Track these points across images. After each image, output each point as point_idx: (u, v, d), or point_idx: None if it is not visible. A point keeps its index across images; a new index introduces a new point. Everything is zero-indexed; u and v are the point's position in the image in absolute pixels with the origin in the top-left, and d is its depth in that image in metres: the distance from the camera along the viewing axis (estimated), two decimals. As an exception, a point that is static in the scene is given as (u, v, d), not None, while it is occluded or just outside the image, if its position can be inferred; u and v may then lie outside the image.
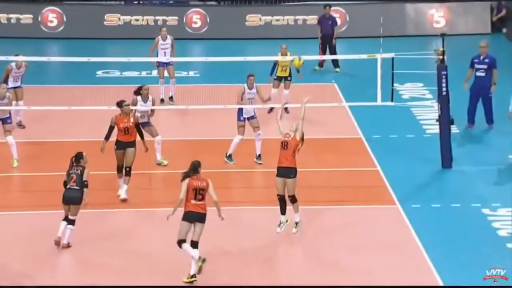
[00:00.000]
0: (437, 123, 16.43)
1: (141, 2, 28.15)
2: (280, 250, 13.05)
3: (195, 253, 11.90)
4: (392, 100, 16.44)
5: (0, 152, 16.30)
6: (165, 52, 19.96)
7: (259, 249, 12.97)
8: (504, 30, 27.66)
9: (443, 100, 16.17)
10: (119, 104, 14.95)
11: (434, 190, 15.41)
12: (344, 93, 21.04)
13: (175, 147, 16.49)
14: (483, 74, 18.21)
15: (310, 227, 13.66)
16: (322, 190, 15.27)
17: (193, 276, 11.88)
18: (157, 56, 19.94)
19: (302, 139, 13.17)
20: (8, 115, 16.37)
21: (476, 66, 18.27)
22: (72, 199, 12.87)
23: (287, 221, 13.15)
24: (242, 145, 16.39)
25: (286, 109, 18.78)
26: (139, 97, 15.99)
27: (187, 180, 12.08)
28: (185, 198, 12.06)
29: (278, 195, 13.09)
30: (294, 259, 12.86)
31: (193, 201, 12.07)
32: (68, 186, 12.96)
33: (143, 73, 22.71)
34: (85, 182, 12.95)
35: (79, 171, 13.00)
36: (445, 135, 16.24)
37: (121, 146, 14.80)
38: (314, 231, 13.55)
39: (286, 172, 12.96)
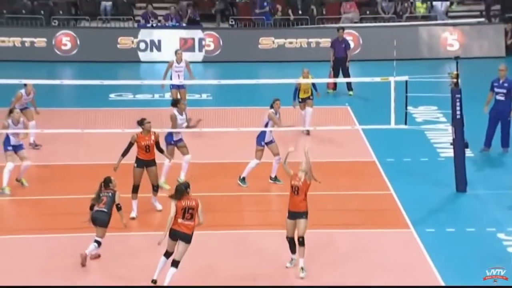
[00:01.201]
0: (452, 146, 16.30)
1: (154, 25, 28.24)
2: (290, 275, 12.86)
3: (156, 274, 12.05)
4: (405, 123, 16.33)
5: (12, 177, 16.24)
6: (179, 75, 19.98)
7: (269, 273, 12.82)
8: (519, 53, 27.59)
9: (457, 124, 16.05)
10: (140, 122, 14.88)
11: (448, 214, 15.25)
12: (357, 116, 20.97)
13: (188, 170, 16.39)
14: (502, 98, 18.09)
15: (323, 251, 13.52)
16: (335, 213, 15.14)
17: (154, 281, 12.09)
18: (171, 78, 19.96)
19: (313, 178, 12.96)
20: (21, 142, 16.33)
21: (496, 89, 18.15)
22: (101, 221, 12.99)
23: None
24: (255, 168, 16.31)
25: (308, 132, 18.84)
26: (175, 110, 15.91)
27: (175, 201, 12.11)
28: (174, 217, 12.12)
29: (287, 237, 12.89)
30: (305, 284, 12.69)
31: (180, 220, 12.10)
32: (96, 209, 13.06)
33: (156, 96, 22.71)
34: (118, 205, 13.11)
35: (110, 194, 13.14)
36: (459, 158, 16.10)
37: (141, 164, 14.75)
38: (327, 255, 13.41)
39: (298, 215, 12.75)
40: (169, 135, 15.92)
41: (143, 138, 14.74)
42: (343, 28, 23.97)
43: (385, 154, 18.17)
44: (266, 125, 16.16)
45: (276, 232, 13.79)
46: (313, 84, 19.40)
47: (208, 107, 21.65)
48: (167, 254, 12.22)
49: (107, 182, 13.25)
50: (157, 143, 14.87)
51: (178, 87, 19.93)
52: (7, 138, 16.08)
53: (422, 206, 15.41)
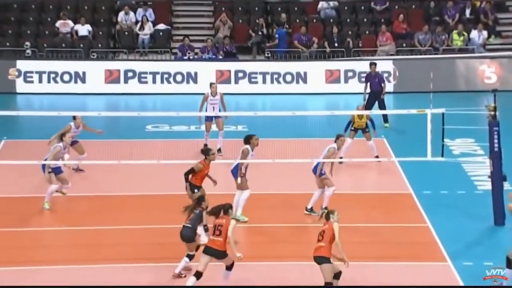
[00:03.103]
0: (489, 179, 16.12)
1: (191, 57, 28.47)
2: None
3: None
4: (442, 156, 16.22)
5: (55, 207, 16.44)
6: (213, 107, 20.10)
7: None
8: (557, 87, 27.26)
9: (495, 156, 15.89)
10: (206, 152, 15.38)
11: (486, 248, 15.05)
12: (393, 148, 20.86)
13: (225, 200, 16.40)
14: None
15: (359, 283, 13.40)
16: (371, 245, 15.03)
17: None
18: (206, 110, 20.07)
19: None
20: (59, 165, 16.74)
21: None
22: (185, 237, 13.44)
23: None
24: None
25: (377, 157, 19.07)
26: (248, 146, 15.97)
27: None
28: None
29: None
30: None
31: (211, 237, 12.81)
32: (184, 224, 13.54)
33: (192, 128, 22.83)
34: (205, 227, 13.70)
35: (198, 211, 13.56)
36: (497, 191, 15.91)
37: (199, 189, 15.18)
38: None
39: None
40: (236, 170, 15.90)
41: (207, 167, 15.25)
42: (375, 63, 23.72)
43: (421, 186, 18.03)
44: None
45: (306, 264, 13.71)
46: (372, 121, 19.66)
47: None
48: (198, 274, 12.63)
49: (200, 200, 13.71)
50: None
51: (212, 118, 20.05)
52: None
53: (459, 239, 15.23)
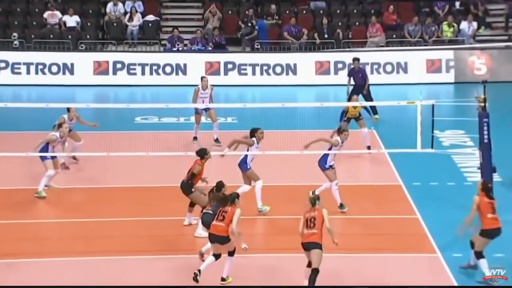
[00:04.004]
0: (479, 171, 16.13)
1: (180, 49, 28.37)
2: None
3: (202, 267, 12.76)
4: (432, 147, 16.21)
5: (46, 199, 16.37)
6: (203, 100, 20.07)
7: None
8: (546, 78, 27.35)
9: (485, 148, 15.90)
10: (203, 152, 15.14)
11: (476, 239, 15.04)
12: (383, 139, 20.86)
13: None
14: None
15: (349, 275, 13.40)
16: (360, 237, 15.02)
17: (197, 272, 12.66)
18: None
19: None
20: (55, 153, 16.94)
21: None
22: (207, 223, 13.45)
23: None
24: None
25: (369, 147, 19.18)
26: (254, 139, 15.95)
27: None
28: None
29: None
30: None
31: (214, 222, 12.81)
32: (204, 211, 13.65)
33: (181, 119, 22.77)
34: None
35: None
36: (487, 183, 15.91)
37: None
38: (353, 279, 13.29)
39: None
40: (244, 163, 15.88)
41: (203, 167, 15.08)
42: (358, 59, 23.55)
43: (411, 178, 18.03)
44: (329, 149, 16.12)
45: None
46: (366, 109, 19.68)
47: (233, 130, 21.60)
48: (215, 256, 12.80)
49: (219, 187, 13.73)
50: None
51: (203, 111, 19.99)
52: (46, 149, 16.59)
53: (449, 231, 15.19)
